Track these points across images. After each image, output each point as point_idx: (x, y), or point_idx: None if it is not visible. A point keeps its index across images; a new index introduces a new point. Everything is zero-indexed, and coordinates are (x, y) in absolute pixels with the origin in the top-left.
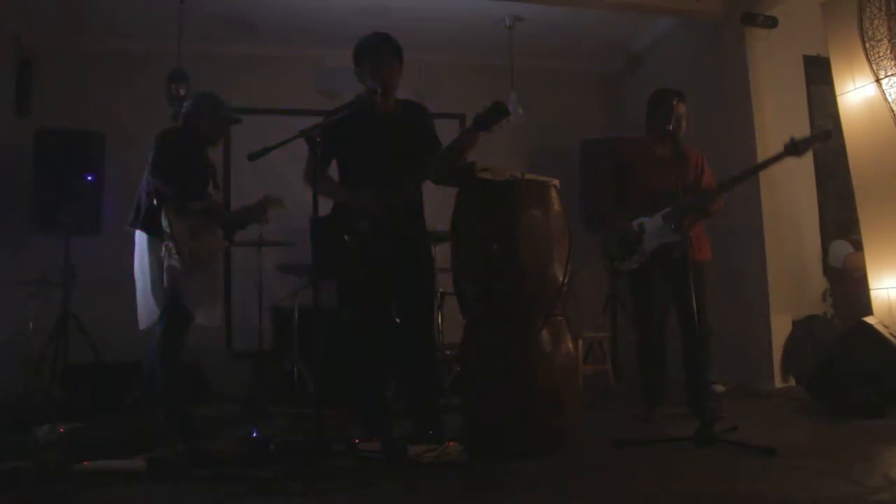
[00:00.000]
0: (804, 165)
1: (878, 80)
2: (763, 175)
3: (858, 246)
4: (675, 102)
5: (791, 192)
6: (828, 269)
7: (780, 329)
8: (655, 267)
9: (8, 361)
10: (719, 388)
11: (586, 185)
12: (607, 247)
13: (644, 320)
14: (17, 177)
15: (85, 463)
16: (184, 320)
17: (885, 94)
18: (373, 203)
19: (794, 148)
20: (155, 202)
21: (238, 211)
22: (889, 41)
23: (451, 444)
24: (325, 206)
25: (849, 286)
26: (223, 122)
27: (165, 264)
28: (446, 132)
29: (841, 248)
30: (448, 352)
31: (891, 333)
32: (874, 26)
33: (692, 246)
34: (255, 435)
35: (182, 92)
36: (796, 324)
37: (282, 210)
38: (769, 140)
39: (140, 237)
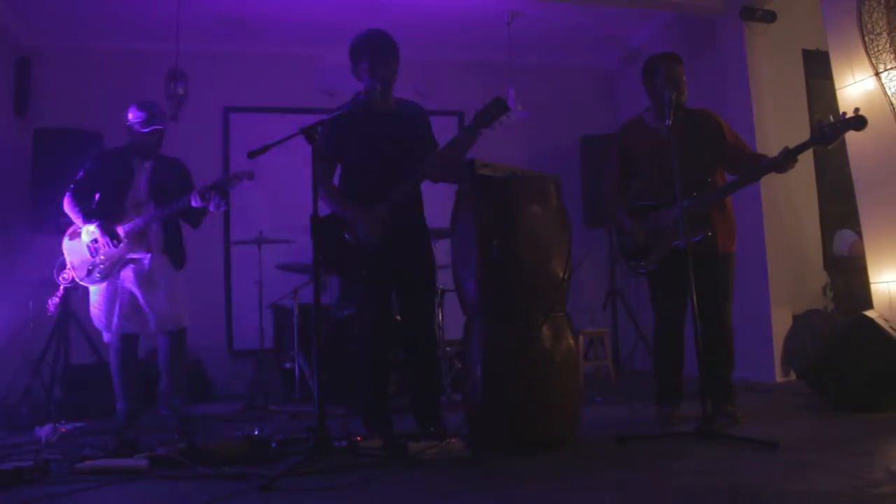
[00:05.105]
0: (803, 159)
1: (877, 74)
2: None
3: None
4: (670, 65)
5: (791, 185)
6: (828, 263)
7: (781, 323)
8: (677, 261)
9: (9, 362)
10: None
11: (586, 180)
12: (621, 246)
13: (664, 317)
14: (15, 176)
15: (86, 462)
16: (122, 338)
17: (884, 88)
18: (375, 217)
19: (821, 134)
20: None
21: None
22: (888, 35)
23: (453, 440)
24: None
25: (851, 277)
26: (147, 126)
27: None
28: (445, 130)
29: (846, 235)
30: (449, 348)
31: (891, 327)
32: (873, 20)
33: (718, 237)
34: (256, 433)
35: (181, 91)
36: (796, 318)
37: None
38: (768, 135)
39: None
